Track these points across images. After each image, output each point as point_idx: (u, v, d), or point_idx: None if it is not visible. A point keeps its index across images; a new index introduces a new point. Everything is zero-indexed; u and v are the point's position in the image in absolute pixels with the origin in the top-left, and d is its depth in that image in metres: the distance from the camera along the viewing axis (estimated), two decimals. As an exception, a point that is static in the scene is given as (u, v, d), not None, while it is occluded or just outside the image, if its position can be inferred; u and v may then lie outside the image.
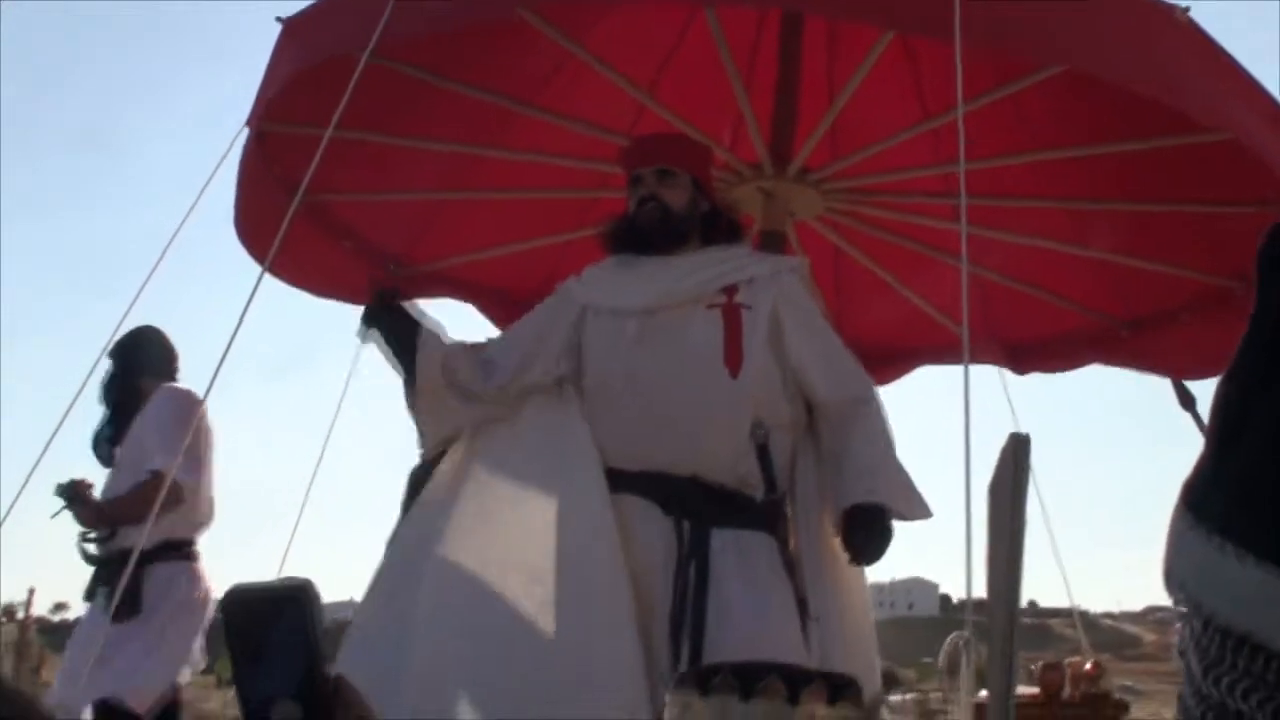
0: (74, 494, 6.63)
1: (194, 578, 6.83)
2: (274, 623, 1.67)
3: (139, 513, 6.41)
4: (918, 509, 4.77)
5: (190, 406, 6.82)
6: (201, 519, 6.92)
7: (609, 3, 6.09)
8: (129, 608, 6.39)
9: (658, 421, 4.70)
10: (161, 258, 5.41)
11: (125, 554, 6.39)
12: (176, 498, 6.49)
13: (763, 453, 4.75)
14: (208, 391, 6.14)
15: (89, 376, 5.29)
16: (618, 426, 4.76)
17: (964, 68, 4.23)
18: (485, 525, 4.68)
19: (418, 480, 5.04)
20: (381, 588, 4.69)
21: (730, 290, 4.88)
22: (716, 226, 5.13)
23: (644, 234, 5.04)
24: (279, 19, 5.46)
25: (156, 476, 6.53)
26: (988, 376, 7.73)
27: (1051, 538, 7.94)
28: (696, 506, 4.63)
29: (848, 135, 6.50)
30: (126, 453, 6.87)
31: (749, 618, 4.39)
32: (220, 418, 7.52)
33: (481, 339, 5.43)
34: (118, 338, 6.54)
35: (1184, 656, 1.08)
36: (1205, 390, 7.15)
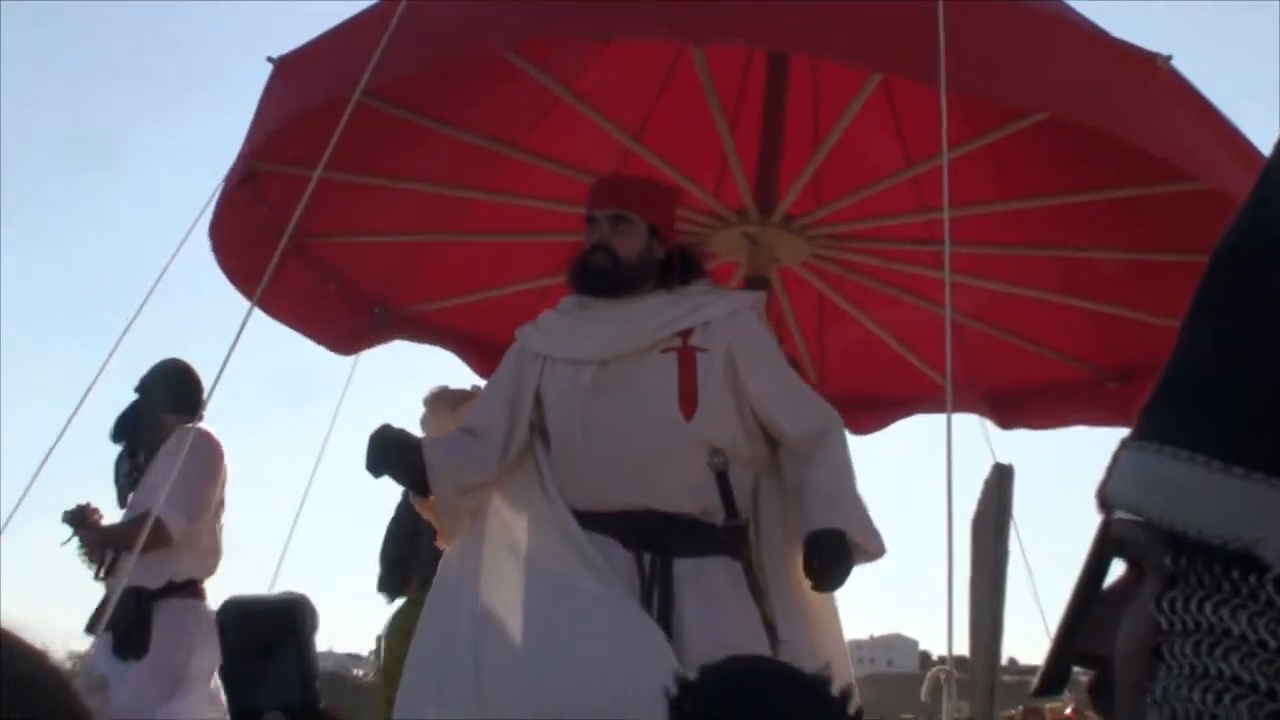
0: (81, 519, 6.77)
1: (206, 617, 6.92)
2: (268, 635, 1.72)
3: (126, 545, 6.61)
4: (873, 543, 4.87)
5: (200, 448, 7.01)
6: (209, 559, 7.08)
7: (596, 44, 6.23)
8: (137, 647, 6.54)
9: (614, 469, 4.87)
10: (152, 291, 5.52)
11: (126, 593, 6.54)
12: (162, 539, 6.67)
13: (721, 479, 4.89)
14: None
15: (74, 413, 5.34)
16: (576, 473, 4.96)
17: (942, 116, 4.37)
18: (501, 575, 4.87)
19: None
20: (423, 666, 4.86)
21: (685, 334, 4.99)
22: (672, 271, 5.21)
23: (592, 280, 5.14)
24: (270, 59, 5.58)
25: (142, 517, 6.64)
26: (969, 427, 7.82)
27: (1034, 586, 7.98)
28: (657, 537, 4.82)
29: (832, 180, 6.60)
30: (139, 496, 7.00)
31: (712, 643, 4.40)
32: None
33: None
34: (135, 370, 6.73)
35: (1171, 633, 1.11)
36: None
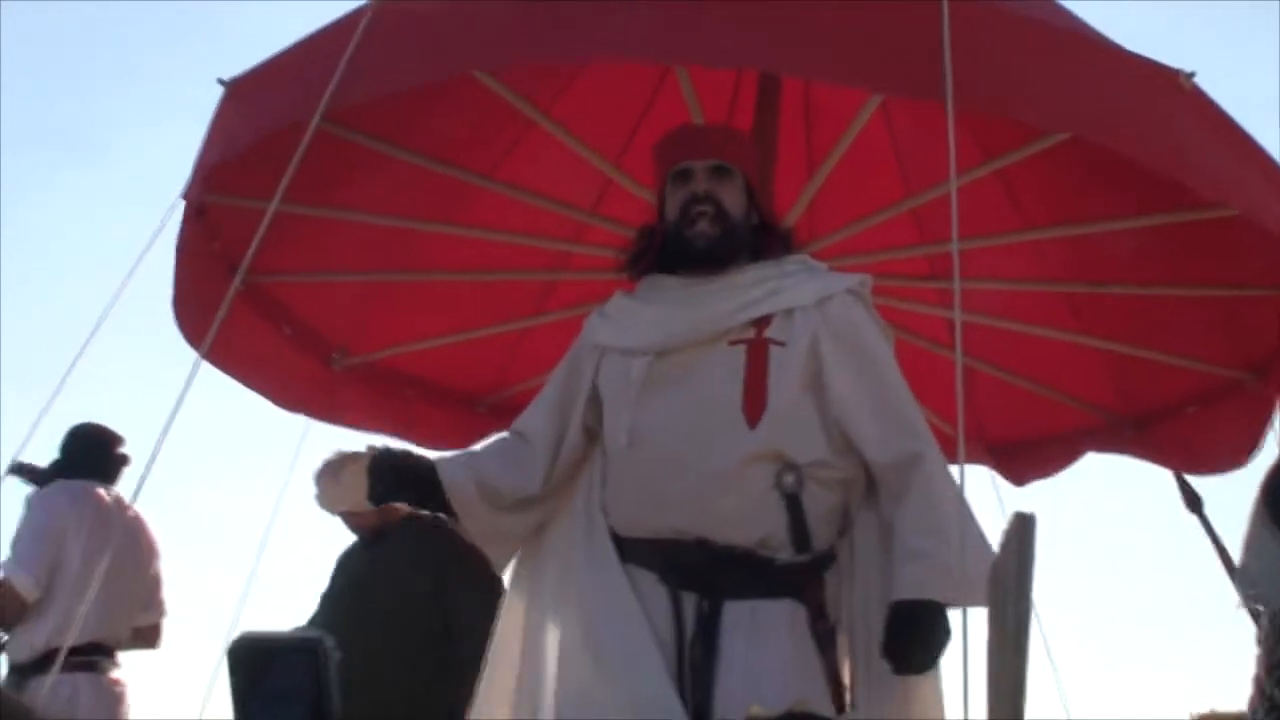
0: None
1: (95, 691, 6.81)
2: (282, 674, 1.66)
3: None
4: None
5: (52, 501, 6.99)
6: (92, 622, 6.71)
7: (574, 66, 6.15)
8: None
9: (660, 486, 4.22)
10: (89, 340, 5.39)
11: (12, 668, 6.43)
12: (16, 601, 6.62)
13: (793, 504, 4.19)
14: (136, 492, 6.14)
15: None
16: (620, 491, 4.37)
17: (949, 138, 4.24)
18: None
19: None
20: None
21: (762, 323, 4.35)
22: (767, 243, 4.62)
23: (693, 248, 4.49)
24: (221, 81, 5.47)
25: None
26: (978, 478, 7.72)
27: (1047, 647, 7.88)
28: (703, 576, 4.17)
29: (826, 213, 6.55)
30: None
31: (758, 683, 3.94)
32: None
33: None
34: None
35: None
36: (1211, 488, 7.19)
